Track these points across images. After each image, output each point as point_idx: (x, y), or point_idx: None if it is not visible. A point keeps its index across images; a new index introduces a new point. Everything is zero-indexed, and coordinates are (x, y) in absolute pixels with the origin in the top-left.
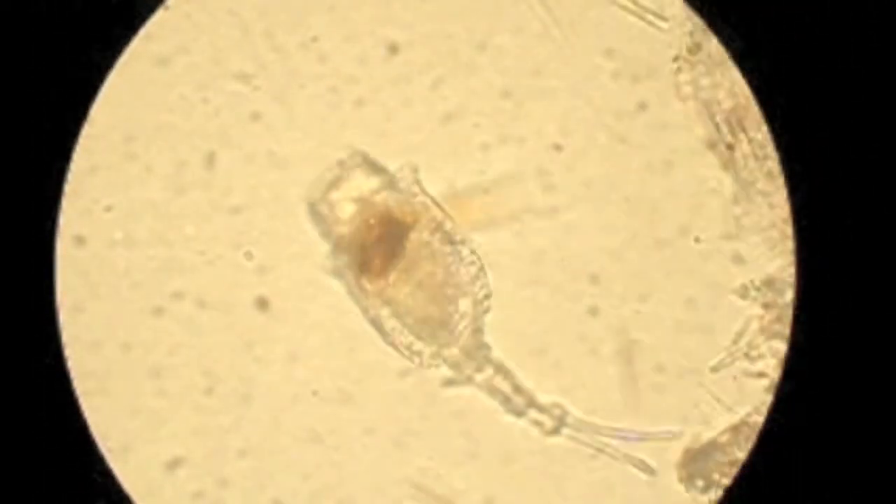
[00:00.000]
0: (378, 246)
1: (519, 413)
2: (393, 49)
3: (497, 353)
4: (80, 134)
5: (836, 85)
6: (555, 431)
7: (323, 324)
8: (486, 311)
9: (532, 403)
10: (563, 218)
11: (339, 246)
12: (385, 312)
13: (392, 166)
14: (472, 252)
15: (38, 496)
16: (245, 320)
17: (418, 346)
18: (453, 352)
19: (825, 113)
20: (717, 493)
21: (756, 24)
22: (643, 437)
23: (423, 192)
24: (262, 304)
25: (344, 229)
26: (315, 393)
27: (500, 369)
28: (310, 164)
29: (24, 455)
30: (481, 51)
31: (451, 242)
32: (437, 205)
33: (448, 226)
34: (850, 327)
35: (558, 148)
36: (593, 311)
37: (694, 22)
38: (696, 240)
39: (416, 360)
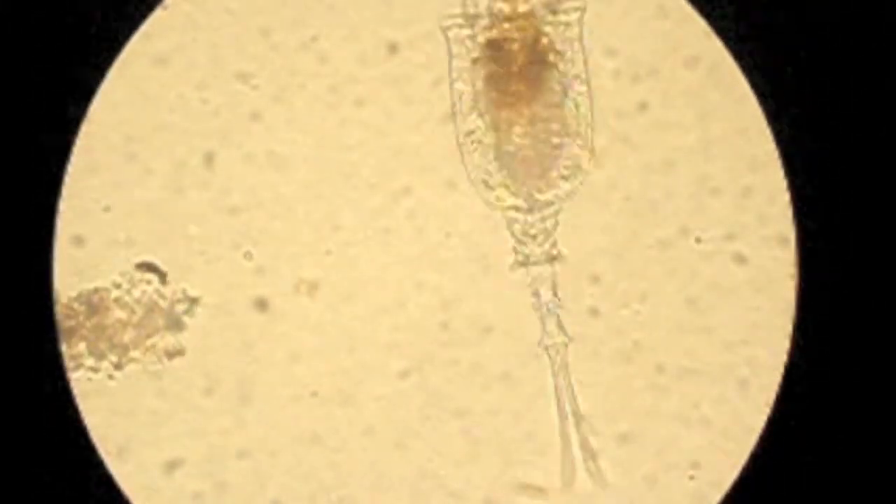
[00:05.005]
0: (521, 72)
1: (549, 310)
2: (393, 49)
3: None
4: (80, 134)
5: (838, 85)
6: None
7: (323, 324)
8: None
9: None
10: (563, 218)
11: (482, 54)
12: (484, 128)
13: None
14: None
15: (38, 497)
16: (244, 321)
17: (495, 177)
18: (520, 202)
19: (826, 113)
20: None
21: (757, 25)
22: None
23: (580, 39)
24: (262, 304)
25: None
26: (315, 394)
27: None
28: (309, 165)
29: (23, 456)
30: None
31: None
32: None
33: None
34: (851, 327)
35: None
36: (593, 312)
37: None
38: (697, 240)
39: (484, 190)
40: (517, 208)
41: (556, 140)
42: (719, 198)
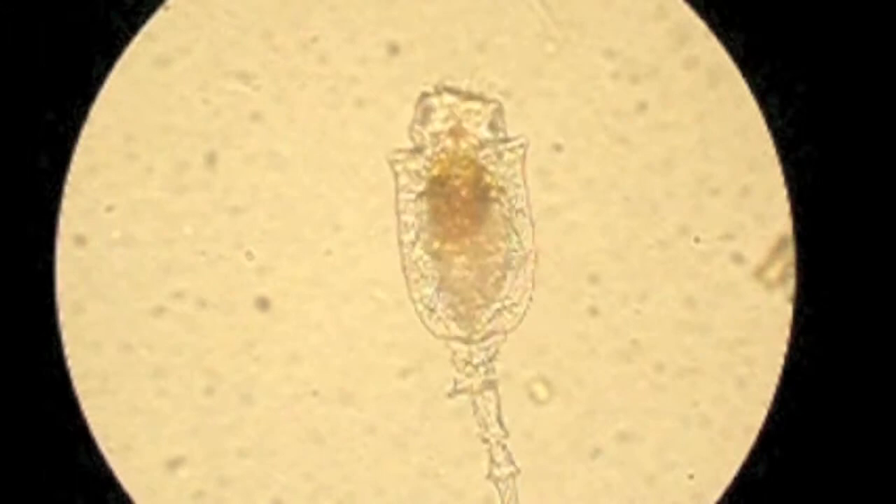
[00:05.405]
0: (462, 209)
1: (485, 439)
2: (393, 49)
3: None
4: (81, 134)
5: (836, 86)
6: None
7: (323, 324)
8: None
9: (502, 441)
10: (563, 218)
11: (425, 190)
12: (428, 259)
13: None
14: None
15: (40, 495)
16: (245, 320)
17: (438, 306)
18: (461, 332)
19: (824, 113)
20: None
21: (755, 25)
22: None
23: (523, 174)
24: (263, 304)
25: (433, 166)
26: (315, 393)
27: (489, 385)
28: (310, 165)
29: (25, 454)
30: (481, 51)
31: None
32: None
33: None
34: (849, 326)
35: (558, 148)
36: (593, 311)
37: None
38: (696, 240)
39: (425, 313)
40: (458, 338)
41: (498, 273)
42: (718, 198)
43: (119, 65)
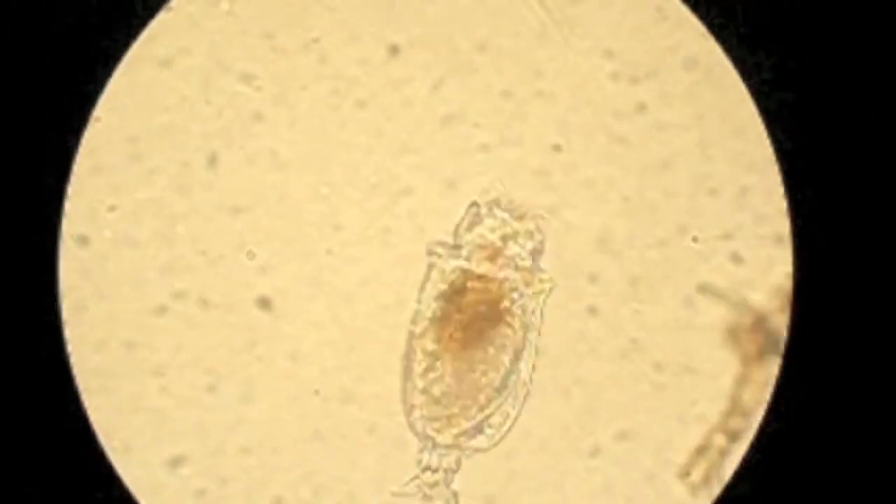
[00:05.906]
0: (472, 324)
1: None
2: (393, 50)
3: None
4: (84, 134)
5: (834, 86)
6: None
7: (324, 323)
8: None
9: None
10: (563, 218)
11: (444, 293)
12: (422, 358)
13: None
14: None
15: (41, 494)
16: (247, 320)
17: (419, 403)
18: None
19: (822, 113)
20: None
21: (754, 26)
22: None
23: (540, 310)
24: (264, 303)
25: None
26: (316, 392)
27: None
28: (311, 165)
29: (27, 453)
30: (481, 51)
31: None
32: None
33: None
34: (847, 325)
35: (558, 148)
36: (593, 311)
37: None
38: (694, 239)
39: (404, 406)
40: (425, 440)
41: (482, 398)
42: (717, 198)
43: (122, 66)
